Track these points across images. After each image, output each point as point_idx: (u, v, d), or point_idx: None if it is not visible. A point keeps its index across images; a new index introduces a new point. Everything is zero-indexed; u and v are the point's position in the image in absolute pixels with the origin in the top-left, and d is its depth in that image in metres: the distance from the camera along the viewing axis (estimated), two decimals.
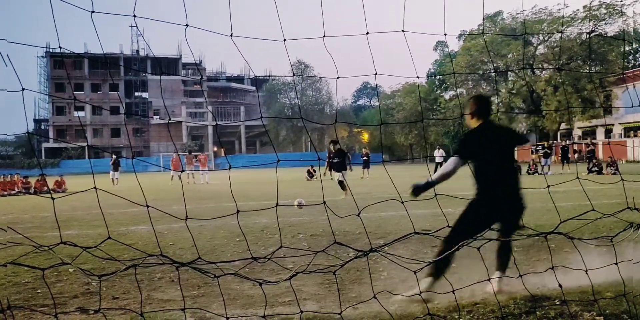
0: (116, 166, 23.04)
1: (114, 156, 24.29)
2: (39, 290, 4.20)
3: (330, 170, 23.48)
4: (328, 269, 2.42)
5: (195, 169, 24.73)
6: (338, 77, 2.76)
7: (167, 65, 67.52)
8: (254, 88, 74.85)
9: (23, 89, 2.31)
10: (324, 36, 2.48)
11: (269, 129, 64.73)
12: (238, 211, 2.43)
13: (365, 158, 25.25)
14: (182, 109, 64.75)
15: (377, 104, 76.34)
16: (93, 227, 8.17)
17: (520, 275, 2.71)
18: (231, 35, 2.40)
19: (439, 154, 26.35)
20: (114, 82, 65.59)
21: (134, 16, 2.31)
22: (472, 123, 3.61)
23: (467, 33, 46.94)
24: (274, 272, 4.69)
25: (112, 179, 22.28)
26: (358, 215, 2.51)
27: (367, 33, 2.57)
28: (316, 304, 3.62)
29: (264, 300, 3.32)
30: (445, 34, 2.79)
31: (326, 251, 2.56)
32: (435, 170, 25.81)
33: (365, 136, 64.79)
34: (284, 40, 2.46)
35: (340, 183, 12.60)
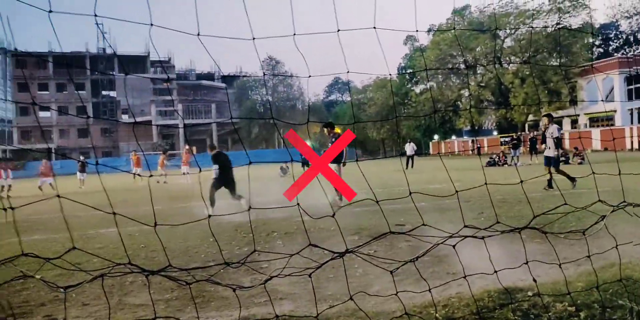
0: (83, 167, 22.72)
1: (81, 157, 23.92)
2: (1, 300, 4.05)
3: (304, 165, 23.13)
4: (303, 271, 2.38)
5: (173, 165, 24.41)
6: (310, 76, 2.71)
7: (134, 63, 66.21)
8: (224, 85, 74.02)
9: None
10: (294, 34, 2.42)
11: (241, 127, 64.19)
12: (210, 216, 2.38)
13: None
14: (151, 108, 63.64)
15: (349, 99, 76.49)
16: (61, 230, 7.94)
17: (496, 272, 2.73)
18: (198, 35, 2.33)
19: (409, 148, 26.68)
20: (80, 81, 64.06)
21: (95, 16, 2.21)
22: None
23: (436, 28, 47.41)
24: (249, 273, 4.63)
25: (80, 179, 21.93)
26: (333, 216, 2.47)
27: (338, 30, 2.53)
28: (292, 304, 3.59)
29: (241, 302, 3.27)
30: (417, 31, 2.77)
31: (301, 253, 2.53)
32: (407, 164, 25.82)
33: (338, 131, 64.91)
34: (253, 38, 2.40)
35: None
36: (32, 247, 6.38)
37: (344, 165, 10.67)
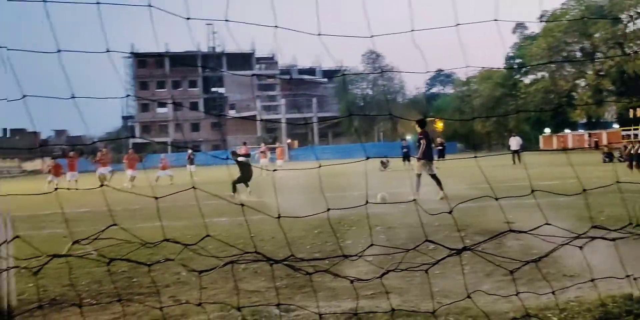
0: (192, 160, 24.38)
1: (189, 151, 25.59)
2: (134, 279, 4.48)
3: (405, 159, 22.75)
4: (419, 267, 2.38)
5: (271, 161, 25.19)
6: (427, 72, 2.69)
7: (241, 61, 69.39)
8: (325, 80, 75.12)
9: (127, 95, 2.46)
10: (412, 30, 2.41)
11: (341, 121, 64.84)
12: (329, 209, 2.46)
13: (440, 148, 24.61)
14: (256, 103, 66.40)
15: (451, 91, 74.01)
16: (178, 219, 8.59)
17: (628, 276, 2.53)
18: (319, 35, 2.41)
19: (514, 142, 25.08)
20: (193, 78, 68.47)
21: (226, 20, 2.38)
22: None
23: (550, 14, 44.39)
24: (353, 265, 4.70)
25: (190, 171, 23.56)
26: (450, 212, 2.44)
27: (458, 24, 2.47)
28: (399, 298, 3.59)
29: (349, 293, 3.34)
30: (540, 21, 2.64)
31: (413, 248, 2.52)
32: (513, 159, 24.40)
33: (440, 125, 63.17)
34: (372, 36, 2.43)
35: (434, 177, 10.64)
36: (154, 233, 6.97)
37: (431, 160, 10.80)
